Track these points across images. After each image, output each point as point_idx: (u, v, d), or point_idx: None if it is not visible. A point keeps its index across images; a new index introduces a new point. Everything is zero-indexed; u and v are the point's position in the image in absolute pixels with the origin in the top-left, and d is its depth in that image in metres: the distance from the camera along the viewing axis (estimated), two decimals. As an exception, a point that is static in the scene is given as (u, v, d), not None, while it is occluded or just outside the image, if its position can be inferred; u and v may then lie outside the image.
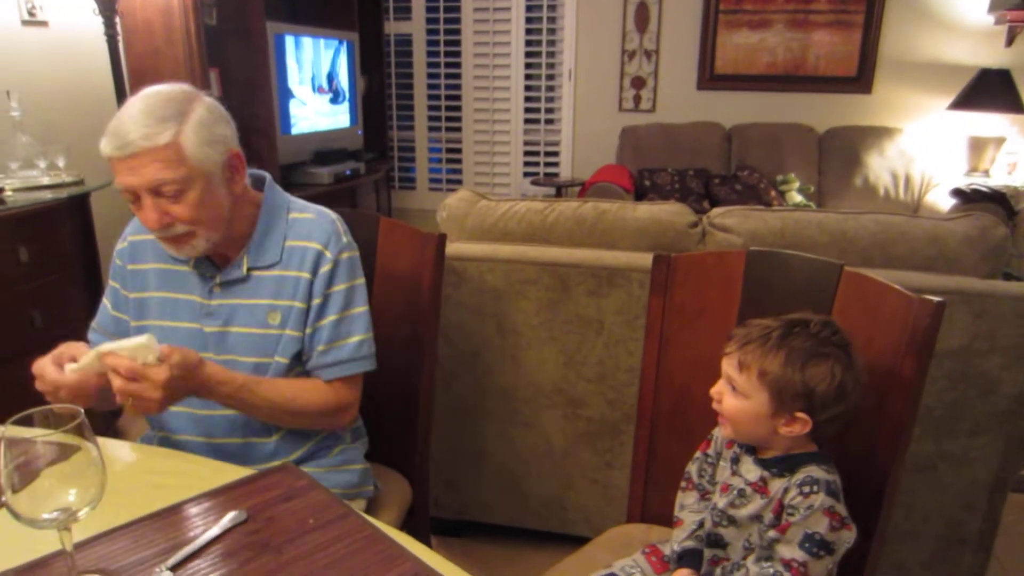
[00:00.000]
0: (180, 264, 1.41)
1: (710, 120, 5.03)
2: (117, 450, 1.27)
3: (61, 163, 2.79)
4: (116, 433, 2.95)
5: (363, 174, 4.73)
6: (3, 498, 0.85)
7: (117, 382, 1.17)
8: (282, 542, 1.00)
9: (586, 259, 2.01)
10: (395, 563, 0.96)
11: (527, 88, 5.53)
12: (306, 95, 4.34)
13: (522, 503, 2.28)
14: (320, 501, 1.10)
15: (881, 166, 4.72)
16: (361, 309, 1.46)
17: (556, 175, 5.55)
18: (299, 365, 1.44)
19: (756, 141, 4.89)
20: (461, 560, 0.98)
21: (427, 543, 1.05)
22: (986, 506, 1.97)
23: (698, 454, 1.39)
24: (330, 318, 1.41)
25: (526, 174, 5.65)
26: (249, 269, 1.40)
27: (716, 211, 2.09)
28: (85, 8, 3.17)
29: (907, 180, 4.70)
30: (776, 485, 1.20)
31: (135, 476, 1.19)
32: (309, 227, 1.43)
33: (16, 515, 0.85)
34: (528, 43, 5.45)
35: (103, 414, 2.81)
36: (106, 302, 1.51)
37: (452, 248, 2.07)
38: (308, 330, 1.41)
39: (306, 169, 4.27)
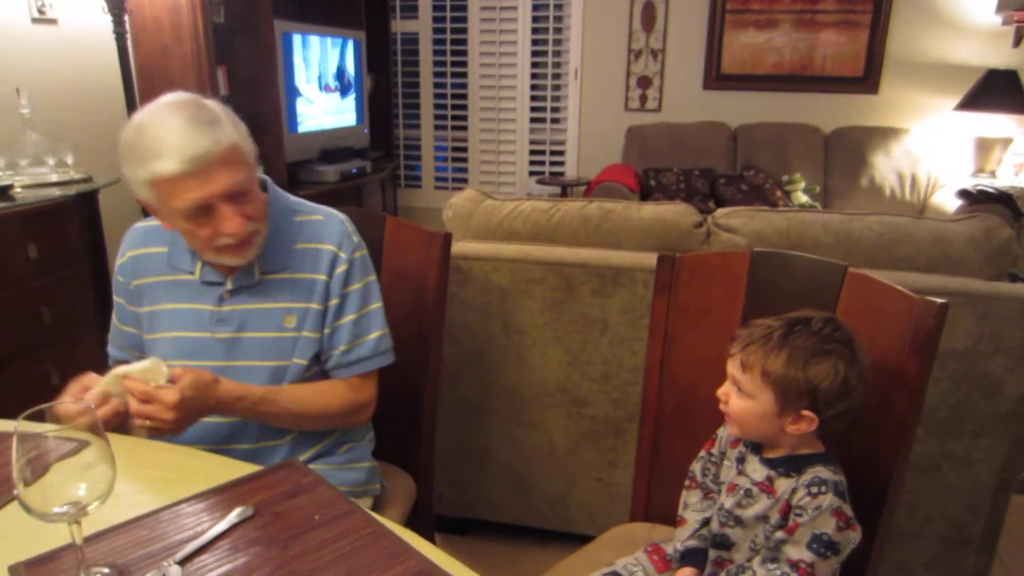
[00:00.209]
0: (184, 274, 1.41)
1: (716, 120, 5.03)
2: (126, 445, 1.28)
3: (70, 160, 2.81)
4: (124, 429, 2.96)
5: (369, 172, 4.74)
6: (15, 492, 0.86)
7: (133, 404, 1.21)
8: (288, 538, 1.01)
9: (591, 259, 2.02)
10: (400, 559, 0.97)
11: (533, 87, 5.53)
12: (313, 93, 4.35)
13: (526, 501, 2.29)
14: (326, 497, 1.11)
15: (887, 166, 4.71)
16: (377, 305, 1.48)
17: (562, 174, 5.56)
18: (316, 365, 1.45)
19: (762, 141, 4.88)
20: (465, 558, 0.99)
21: (431, 540, 1.06)
22: (989, 507, 1.97)
23: (702, 453, 1.40)
24: (349, 317, 1.44)
25: (531, 173, 5.65)
26: (261, 273, 1.40)
27: (721, 211, 2.10)
28: (94, 6, 3.19)
29: (913, 181, 4.69)
30: (783, 485, 1.20)
31: (143, 472, 1.21)
32: (320, 229, 1.44)
33: (27, 508, 0.86)
34: (534, 42, 5.44)
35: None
36: (115, 319, 1.53)
37: (458, 247, 2.08)
38: (327, 330, 1.43)
39: (312, 167, 4.28)
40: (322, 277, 1.41)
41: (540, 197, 2.25)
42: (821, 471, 1.18)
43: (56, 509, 0.87)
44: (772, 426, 1.20)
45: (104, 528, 1.02)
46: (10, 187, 2.51)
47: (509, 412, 2.20)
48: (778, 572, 1.15)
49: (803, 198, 4.58)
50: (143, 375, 1.22)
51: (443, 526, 2.38)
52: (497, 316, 2.11)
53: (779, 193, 4.57)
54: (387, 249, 1.71)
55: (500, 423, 2.22)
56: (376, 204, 5.09)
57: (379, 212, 1.74)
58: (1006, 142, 4.63)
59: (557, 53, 5.43)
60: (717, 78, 5.14)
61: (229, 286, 1.40)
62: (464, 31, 5.52)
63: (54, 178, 2.72)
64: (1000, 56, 4.64)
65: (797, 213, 2.03)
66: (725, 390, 1.26)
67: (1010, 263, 1.96)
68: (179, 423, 1.23)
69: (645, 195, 4.61)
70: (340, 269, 1.42)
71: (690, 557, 1.31)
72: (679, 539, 1.35)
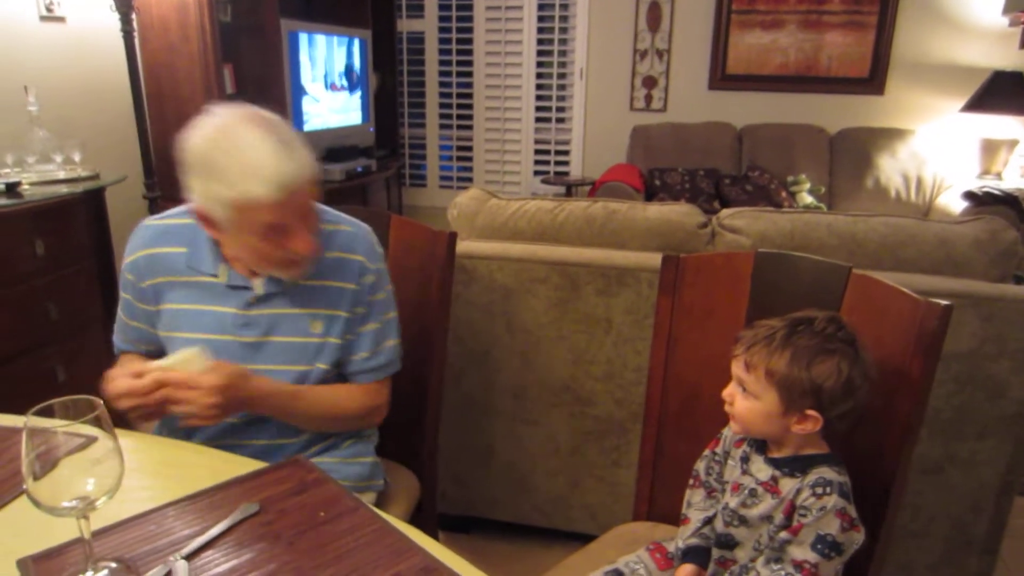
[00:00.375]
0: (204, 276, 1.40)
1: (721, 120, 5.03)
2: (132, 441, 1.29)
3: (77, 158, 2.82)
4: (128, 424, 2.98)
5: (374, 171, 4.75)
6: (24, 486, 0.87)
7: (176, 392, 1.22)
8: (293, 534, 1.02)
9: (595, 258, 2.02)
10: (404, 556, 0.98)
11: (538, 87, 5.54)
12: (319, 92, 4.36)
13: (529, 500, 2.30)
14: (331, 494, 1.12)
15: (893, 168, 4.71)
16: (394, 315, 1.53)
17: (567, 174, 5.56)
18: (335, 369, 1.47)
19: (767, 142, 4.88)
20: (468, 556, 0.99)
21: (435, 538, 1.07)
22: (993, 509, 1.97)
23: (706, 452, 1.40)
24: (372, 325, 1.47)
25: (536, 172, 5.66)
26: (291, 280, 1.41)
27: (726, 212, 2.10)
28: (102, 4, 3.20)
29: (919, 182, 4.68)
30: (787, 485, 1.21)
31: (151, 467, 1.21)
32: (350, 240, 1.46)
33: (36, 503, 0.87)
34: (540, 42, 5.45)
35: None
36: (121, 314, 1.53)
37: (462, 246, 2.08)
38: (349, 336, 1.46)
39: (318, 166, 4.28)
40: (351, 286, 1.44)
41: (545, 197, 2.26)
42: (826, 472, 1.18)
43: (65, 504, 0.88)
44: (777, 426, 1.21)
45: (112, 523, 1.02)
46: (18, 184, 2.52)
47: (513, 411, 2.20)
48: (782, 573, 1.16)
49: (808, 199, 4.58)
50: (185, 364, 1.24)
51: (446, 524, 2.38)
52: (501, 315, 2.12)
53: (784, 194, 4.57)
54: (392, 248, 1.72)
55: (504, 422, 2.23)
56: (381, 203, 5.10)
57: (384, 211, 1.75)
58: (1012, 144, 4.62)
59: (563, 53, 5.43)
60: (722, 78, 5.14)
61: (259, 291, 1.40)
62: (470, 30, 5.52)
63: (61, 175, 2.73)
64: (1007, 57, 4.63)
65: (802, 214, 2.04)
66: (730, 391, 1.26)
67: (1015, 265, 1.96)
68: (220, 409, 1.24)
69: (650, 195, 4.62)
70: (368, 279, 1.45)
71: (691, 555, 1.32)
72: (681, 537, 1.36)
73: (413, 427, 1.74)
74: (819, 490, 1.16)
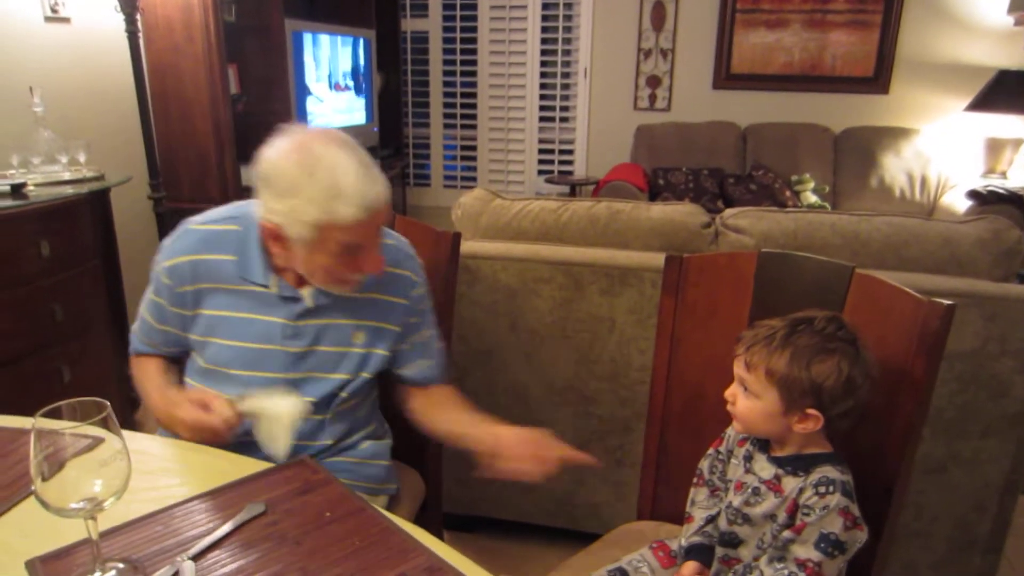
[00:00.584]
0: (254, 286, 1.40)
1: (725, 119, 5.03)
2: (139, 442, 1.30)
3: (82, 158, 2.82)
4: (133, 425, 2.99)
5: (378, 171, 4.75)
6: (32, 487, 0.87)
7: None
8: (299, 534, 1.03)
9: (599, 258, 2.03)
10: (409, 556, 0.98)
11: (542, 86, 5.54)
12: (323, 92, 4.36)
13: (533, 499, 2.30)
14: (336, 494, 1.12)
15: (897, 167, 4.70)
16: (434, 321, 1.59)
17: (570, 173, 5.56)
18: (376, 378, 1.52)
19: (771, 141, 4.88)
20: (473, 555, 1.00)
21: (440, 537, 1.07)
22: (996, 508, 1.97)
23: (710, 451, 1.41)
24: (428, 332, 1.54)
25: (540, 172, 5.66)
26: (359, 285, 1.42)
27: (729, 212, 2.10)
28: (107, 5, 3.20)
29: (923, 181, 4.68)
30: (790, 483, 1.21)
31: (157, 468, 1.22)
32: (395, 254, 1.47)
33: (44, 504, 0.87)
34: (544, 41, 5.45)
35: (123, 410, 2.85)
36: (147, 316, 1.50)
37: (466, 246, 2.09)
38: (405, 346, 1.51)
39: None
40: (403, 301, 1.48)
41: (549, 197, 2.26)
42: (829, 471, 1.19)
43: (72, 505, 0.89)
44: (778, 425, 1.21)
45: (119, 523, 1.03)
46: (23, 185, 2.52)
47: (517, 410, 2.21)
48: (785, 571, 1.16)
49: (812, 198, 4.58)
50: (279, 410, 1.30)
51: (451, 523, 2.39)
52: (505, 315, 2.12)
53: (788, 193, 4.56)
54: (397, 248, 1.72)
55: (508, 421, 2.22)
56: (385, 202, 5.10)
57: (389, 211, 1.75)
58: (1017, 143, 4.62)
59: (567, 52, 5.43)
60: (727, 78, 5.14)
61: (308, 303, 1.41)
62: (474, 30, 5.53)
63: (66, 176, 2.74)
64: (1012, 56, 4.63)
65: (805, 214, 2.04)
66: (732, 391, 1.27)
67: (1019, 264, 1.96)
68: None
69: (654, 194, 4.62)
70: (417, 291, 1.51)
71: (694, 552, 1.33)
72: (685, 536, 1.36)
73: (418, 428, 1.74)
74: (822, 489, 1.17)
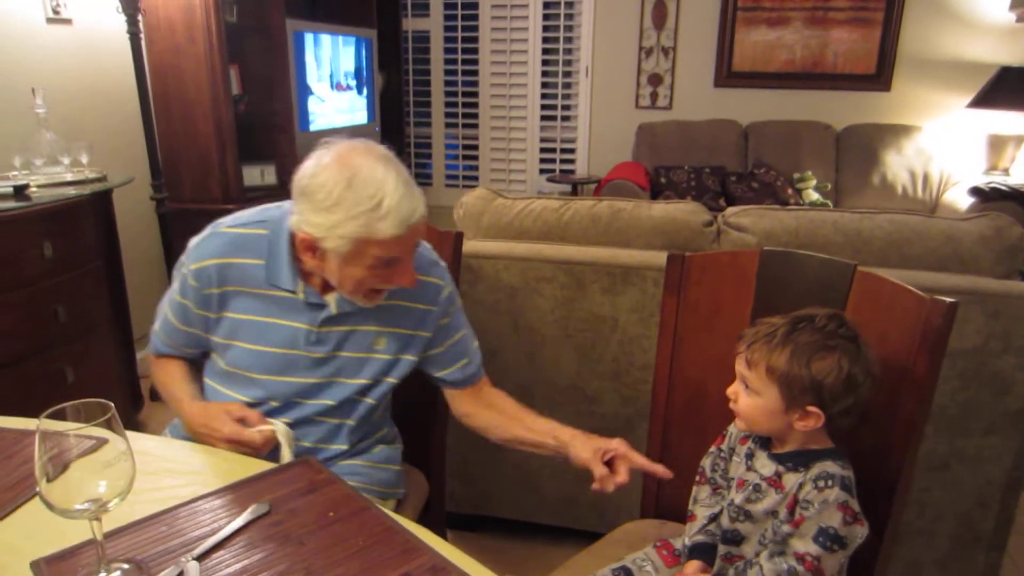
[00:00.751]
0: (282, 291, 1.40)
1: (727, 117, 5.02)
2: (142, 443, 1.30)
3: (84, 160, 2.83)
4: (137, 426, 2.99)
5: (381, 170, 4.75)
6: (37, 488, 0.88)
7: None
8: (303, 534, 1.03)
9: (601, 257, 2.03)
10: (413, 556, 0.99)
11: (544, 85, 5.54)
12: (324, 92, 4.36)
13: (536, 498, 2.30)
14: (340, 494, 1.12)
15: (899, 164, 4.70)
16: (467, 318, 1.59)
17: (572, 172, 5.56)
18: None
19: (773, 138, 4.87)
20: (476, 554, 1.00)
21: (443, 536, 1.07)
22: (999, 505, 1.97)
23: (712, 449, 1.41)
24: (461, 333, 1.56)
25: (542, 171, 5.66)
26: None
27: (731, 210, 2.10)
28: (108, 6, 3.21)
29: (925, 178, 4.67)
30: (791, 480, 1.21)
31: (161, 469, 1.22)
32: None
33: (49, 505, 0.88)
34: (545, 40, 5.45)
35: (126, 410, 2.86)
36: (171, 317, 1.49)
37: (468, 246, 2.09)
38: (439, 349, 1.52)
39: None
40: (433, 308, 1.49)
41: (550, 196, 2.26)
42: (829, 466, 1.19)
43: (77, 506, 0.89)
44: (780, 423, 1.22)
45: (124, 524, 1.03)
46: (26, 187, 2.53)
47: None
48: (784, 565, 1.16)
49: (814, 196, 4.57)
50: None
51: (454, 523, 2.39)
52: (508, 314, 2.12)
53: (790, 191, 4.56)
54: (399, 248, 1.72)
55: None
56: (387, 202, 5.11)
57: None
58: (1019, 139, 4.61)
59: (568, 51, 5.43)
60: (728, 76, 5.14)
61: (333, 310, 1.41)
62: (475, 29, 5.52)
63: (69, 177, 2.74)
64: (1014, 53, 4.62)
65: (807, 212, 2.04)
66: (734, 388, 1.27)
67: (1021, 262, 1.96)
68: None
69: (656, 193, 4.62)
70: (444, 295, 1.51)
71: (698, 551, 1.33)
72: (688, 534, 1.36)
73: (421, 427, 1.75)
74: (821, 483, 1.17)
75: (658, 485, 1.64)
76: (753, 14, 4.99)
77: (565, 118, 5.56)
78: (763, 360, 1.20)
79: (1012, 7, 4.55)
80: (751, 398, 1.23)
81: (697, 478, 1.42)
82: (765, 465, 1.26)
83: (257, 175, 3.79)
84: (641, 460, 1.32)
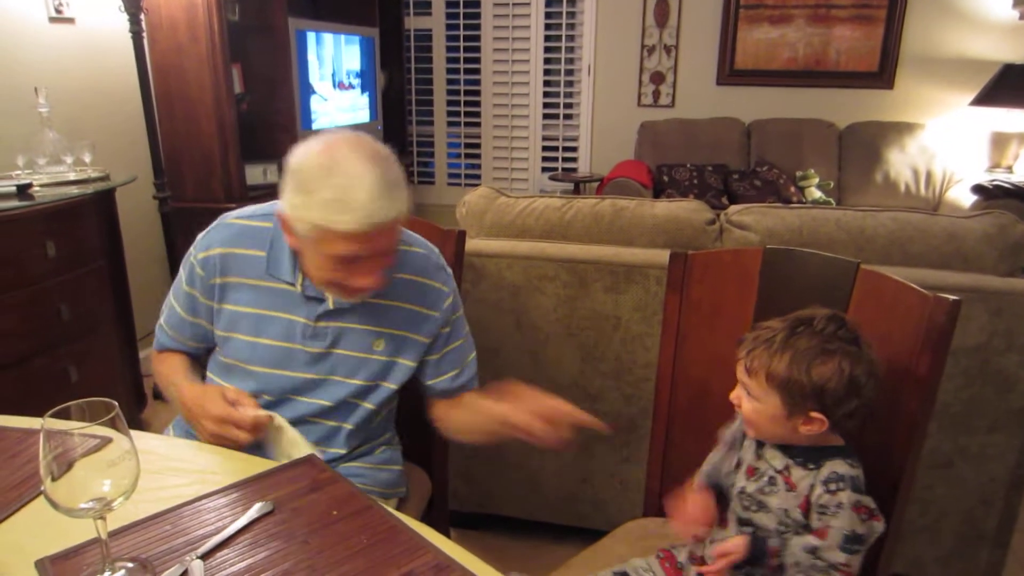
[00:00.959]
0: (282, 283, 1.41)
1: (729, 115, 5.02)
2: (147, 442, 1.30)
3: (87, 159, 2.83)
4: (141, 425, 3.00)
5: (383, 169, 4.75)
6: (42, 487, 0.88)
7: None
8: (307, 533, 1.03)
9: (604, 256, 2.03)
10: (417, 554, 0.99)
11: (546, 83, 5.54)
12: (327, 91, 4.37)
13: (539, 497, 2.31)
14: (344, 493, 1.12)
15: (902, 162, 4.69)
16: (467, 328, 1.57)
17: (574, 170, 5.56)
18: (400, 389, 1.51)
19: (776, 136, 4.87)
20: (479, 552, 1.00)
21: (446, 535, 1.07)
22: (1003, 503, 1.97)
23: (730, 424, 1.39)
24: (457, 343, 1.53)
25: (544, 169, 5.66)
26: (362, 297, 1.42)
27: (734, 209, 2.10)
28: (111, 5, 3.22)
29: (928, 176, 4.67)
30: (800, 476, 1.21)
31: (165, 468, 1.22)
32: (424, 263, 1.47)
33: (54, 504, 0.88)
34: (547, 38, 5.45)
35: (130, 409, 2.87)
36: (178, 308, 1.50)
37: (471, 244, 2.09)
38: (435, 356, 1.50)
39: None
40: (434, 313, 1.47)
41: (553, 194, 2.26)
42: (839, 465, 1.18)
43: (82, 505, 0.89)
44: (784, 428, 1.21)
45: (128, 523, 1.04)
46: (29, 186, 2.53)
47: (523, 408, 2.21)
48: (820, 564, 1.16)
49: (817, 194, 4.57)
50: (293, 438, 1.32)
51: (457, 521, 2.39)
52: (510, 313, 2.13)
53: (793, 189, 4.56)
54: (402, 247, 1.72)
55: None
56: (390, 201, 5.11)
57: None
58: (1022, 137, 4.61)
59: (570, 49, 5.43)
60: (731, 73, 5.14)
61: (331, 305, 1.41)
62: (477, 27, 5.53)
63: (72, 176, 2.75)
64: (1017, 50, 4.61)
65: (810, 210, 2.04)
66: (737, 394, 1.26)
67: (1025, 259, 1.96)
68: None
69: (658, 191, 4.62)
70: (447, 302, 1.49)
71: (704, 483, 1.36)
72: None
73: (424, 426, 1.74)
74: (832, 486, 1.17)
75: (661, 484, 1.64)
76: (755, 12, 4.98)
77: (567, 116, 5.56)
78: (763, 367, 1.19)
79: (1015, 5, 4.54)
80: (752, 404, 1.23)
81: (716, 447, 1.41)
82: (775, 456, 1.26)
83: (259, 174, 3.80)
84: (581, 415, 1.29)
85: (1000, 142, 4.64)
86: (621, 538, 1.56)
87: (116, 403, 0.89)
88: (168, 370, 1.52)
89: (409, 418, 1.70)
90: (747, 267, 1.48)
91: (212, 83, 3.41)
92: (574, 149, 5.59)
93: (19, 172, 2.70)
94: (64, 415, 0.89)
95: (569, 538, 2.25)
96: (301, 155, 1.27)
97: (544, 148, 5.67)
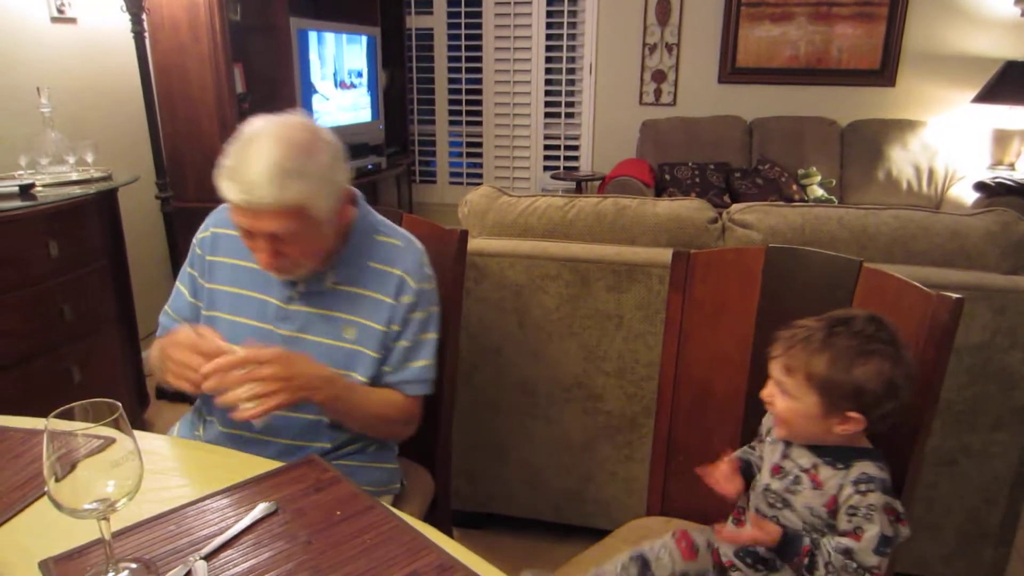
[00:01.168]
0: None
1: (731, 114, 5.02)
2: (150, 443, 1.30)
3: (90, 158, 2.84)
4: (144, 425, 3.00)
5: (384, 168, 4.76)
6: (46, 488, 0.88)
7: (235, 374, 1.25)
8: (311, 533, 1.03)
9: (606, 255, 2.03)
10: (420, 554, 0.99)
11: (547, 82, 5.54)
12: (328, 90, 4.37)
13: (542, 496, 2.31)
14: (347, 493, 1.13)
15: (904, 159, 4.69)
16: (432, 336, 1.52)
17: (576, 169, 5.56)
18: (371, 383, 1.48)
19: (777, 134, 4.87)
20: (482, 552, 1.00)
21: (449, 534, 1.07)
22: (1007, 501, 1.97)
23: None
24: (404, 343, 1.48)
25: (546, 168, 5.66)
26: (333, 284, 1.44)
27: (736, 207, 2.10)
28: (112, 5, 3.22)
29: (930, 174, 4.66)
30: (828, 476, 1.21)
31: (169, 468, 1.23)
32: (396, 254, 1.47)
33: (58, 505, 0.88)
34: (549, 37, 5.45)
35: (132, 409, 2.86)
36: (183, 289, 1.55)
37: (473, 244, 2.09)
38: (384, 352, 1.48)
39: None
40: (388, 300, 1.45)
41: (555, 193, 2.26)
42: (868, 467, 1.18)
43: (85, 506, 0.89)
44: (819, 427, 1.21)
45: (132, 524, 1.04)
46: (31, 186, 2.53)
47: (525, 407, 2.21)
48: (853, 565, 1.16)
49: (819, 192, 4.57)
50: None
51: (460, 521, 2.40)
52: (513, 312, 2.13)
53: (795, 187, 4.55)
54: (404, 246, 1.72)
55: (516, 418, 2.24)
56: (391, 200, 5.12)
57: (396, 210, 1.76)
58: (1024, 134, 4.60)
59: (572, 48, 5.43)
60: (732, 72, 5.13)
61: (300, 288, 1.43)
62: (479, 26, 5.52)
63: (74, 176, 2.75)
64: (1019, 48, 4.61)
65: (812, 208, 2.03)
66: (770, 392, 1.26)
67: (1027, 257, 1.96)
68: (283, 382, 1.26)
69: (660, 190, 4.62)
70: (407, 298, 1.46)
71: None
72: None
73: (427, 425, 1.74)
74: (862, 487, 1.16)
75: (664, 483, 1.64)
76: (757, 9, 4.98)
77: (569, 115, 5.56)
78: (803, 366, 1.18)
79: (1017, 2, 4.54)
80: (788, 402, 1.22)
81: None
82: (802, 455, 1.25)
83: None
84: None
85: (1002, 139, 4.63)
86: (624, 537, 1.56)
87: (119, 404, 0.89)
88: (161, 340, 1.52)
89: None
90: (750, 266, 1.48)
91: (214, 83, 3.42)
92: (576, 148, 5.59)
93: (22, 172, 2.70)
94: (67, 416, 0.89)
95: (572, 537, 2.25)
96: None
97: (546, 147, 5.67)
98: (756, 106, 5.03)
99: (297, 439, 1.46)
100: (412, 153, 5.81)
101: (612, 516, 2.23)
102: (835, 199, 4.60)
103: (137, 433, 0.94)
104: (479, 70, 5.62)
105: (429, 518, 1.70)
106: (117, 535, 1.00)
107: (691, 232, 2.06)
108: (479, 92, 5.67)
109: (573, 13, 5.36)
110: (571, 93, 5.52)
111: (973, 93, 4.61)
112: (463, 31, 5.57)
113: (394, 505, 1.57)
